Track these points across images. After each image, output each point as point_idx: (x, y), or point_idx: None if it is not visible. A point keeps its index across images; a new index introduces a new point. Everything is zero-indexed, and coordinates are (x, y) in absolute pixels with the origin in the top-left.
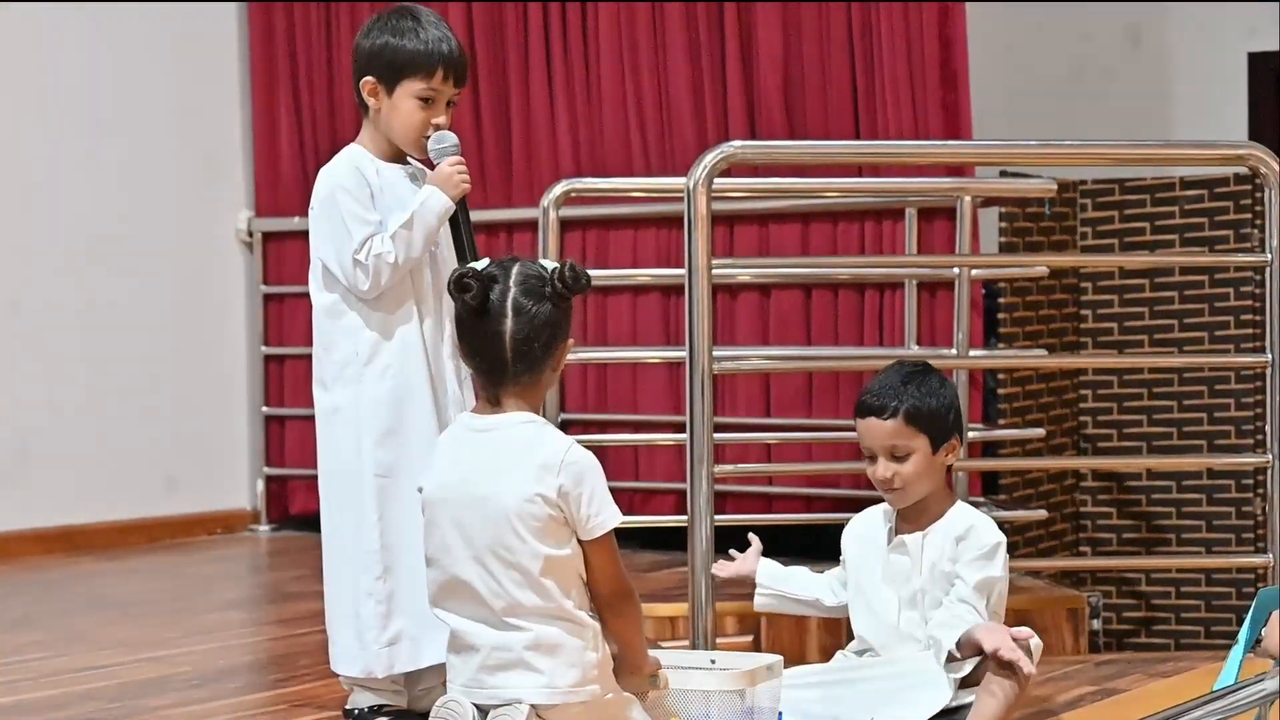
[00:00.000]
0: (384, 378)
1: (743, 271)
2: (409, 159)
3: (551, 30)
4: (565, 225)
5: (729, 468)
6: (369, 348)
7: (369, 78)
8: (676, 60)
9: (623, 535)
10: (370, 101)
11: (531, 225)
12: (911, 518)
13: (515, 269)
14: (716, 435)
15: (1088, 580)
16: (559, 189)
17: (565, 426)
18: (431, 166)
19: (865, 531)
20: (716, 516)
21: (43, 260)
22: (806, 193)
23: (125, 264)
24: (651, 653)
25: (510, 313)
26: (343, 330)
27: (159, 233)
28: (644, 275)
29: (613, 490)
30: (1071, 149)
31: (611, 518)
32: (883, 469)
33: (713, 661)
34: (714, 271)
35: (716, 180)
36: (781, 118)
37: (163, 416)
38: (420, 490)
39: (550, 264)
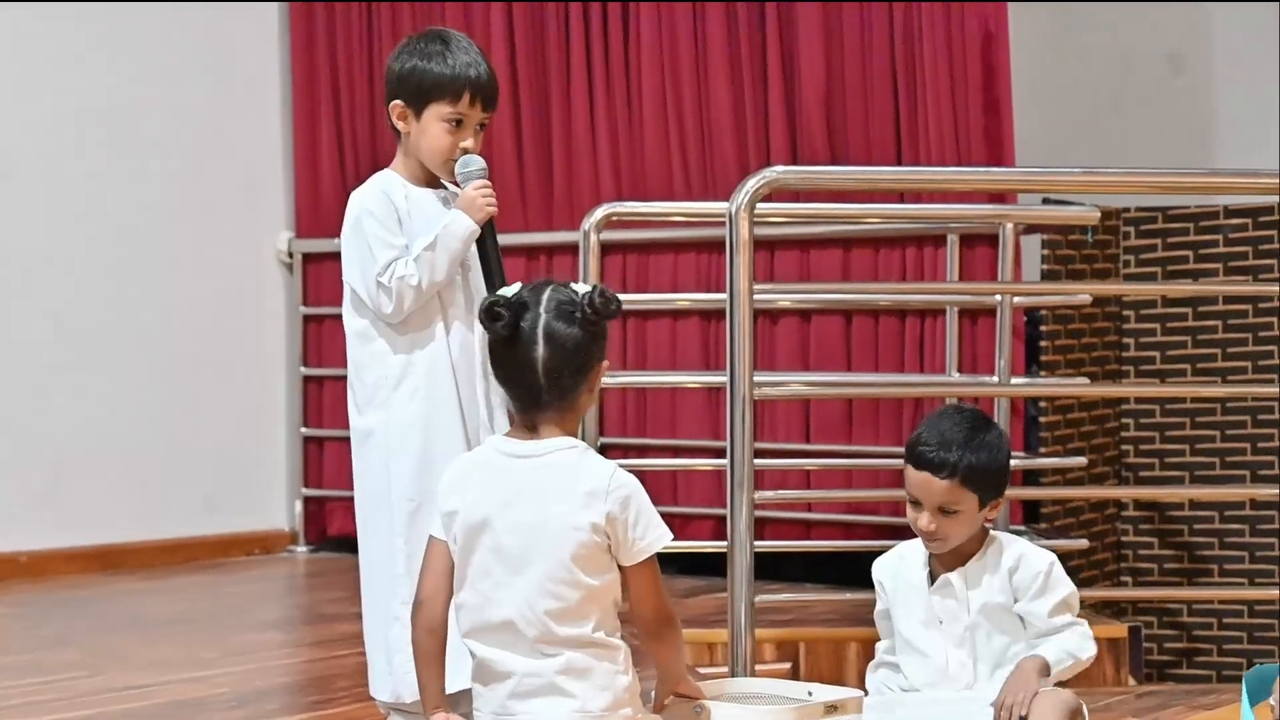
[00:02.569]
0: (413, 400)
1: (783, 297)
2: (443, 184)
3: (593, 53)
4: (606, 249)
5: (769, 494)
6: (398, 371)
7: (397, 101)
8: (718, 84)
9: (661, 559)
10: (400, 125)
11: (571, 248)
12: (948, 558)
13: (546, 294)
14: (756, 461)
15: (1129, 610)
16: (600, 213)
17: (604, 450)
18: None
19: (900, 573)
20: (760, 543)
21: (82, 279)
22: (848, 218)
23: (165, 284)
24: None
25: (541, 340)
26: (372, 354)
27: (199, 253)
28: (684, 300)
29: None
30: (1114, 177)
31: (659, 538)
32: (926, 521)
33: (809, 694)
34: (755, 297)
35: (761, 206)
36: (823, 143)
37: (201, 437)
38: (450, 513)
39: (582, 287)
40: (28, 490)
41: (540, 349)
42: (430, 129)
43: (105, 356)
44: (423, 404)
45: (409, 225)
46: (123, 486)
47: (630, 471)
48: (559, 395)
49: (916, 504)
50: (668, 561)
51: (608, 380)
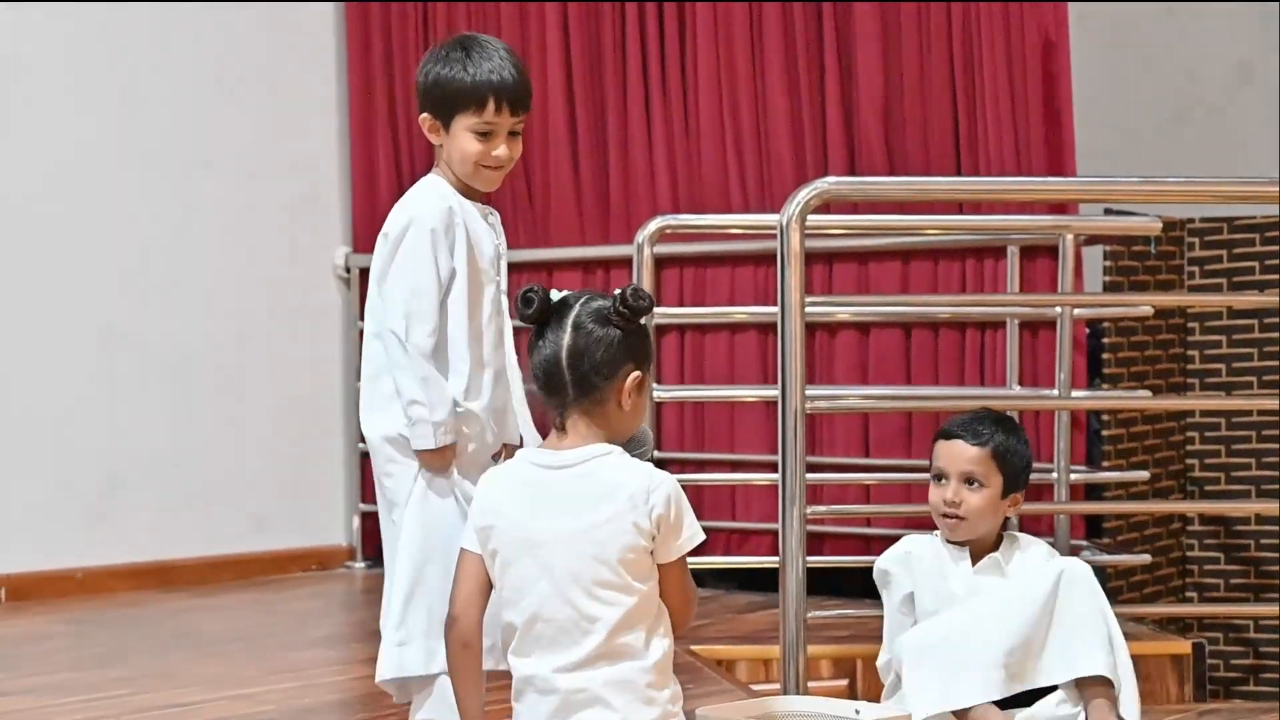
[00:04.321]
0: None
1: (840, 310)
2: (483, 198)
3: (650, 66)
4: (662, 263)
5: (821, 509)
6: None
7: (425, 115)
8: (775, 95)
9: (719, 576)
10: (432, 138)
11: (629, 262)
12: (979, 552)
13: (586, 296)
14: (814, 475)
15: (1194, 626)
16: (653, 225)
17: (662, 465)
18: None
19: (928, 563)
20: (815, 558)
21: (136, 295)
22: (904, 230)
23: (222, 299)
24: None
25: (569, 329)
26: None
27: (257, 268)
28: (741, 313)
29: (709, 530)
30: (1172, 186)
31: (696, 535)
32: (952, 492)
33: (857, 712)
34: (811, 310)
35: (816, 217)
36: (882, 154)
37: (258, 452)
38: (486, 528)
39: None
40: (82, 507)
41: (566, 337)
42: (459, 139)
43: (161, 372)
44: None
45: (465, 237)
46: (178, 503)
47: (687, 486)
48: (582, 390)
49: (940, 479)
50: (726, 577)
51: (664, 394)
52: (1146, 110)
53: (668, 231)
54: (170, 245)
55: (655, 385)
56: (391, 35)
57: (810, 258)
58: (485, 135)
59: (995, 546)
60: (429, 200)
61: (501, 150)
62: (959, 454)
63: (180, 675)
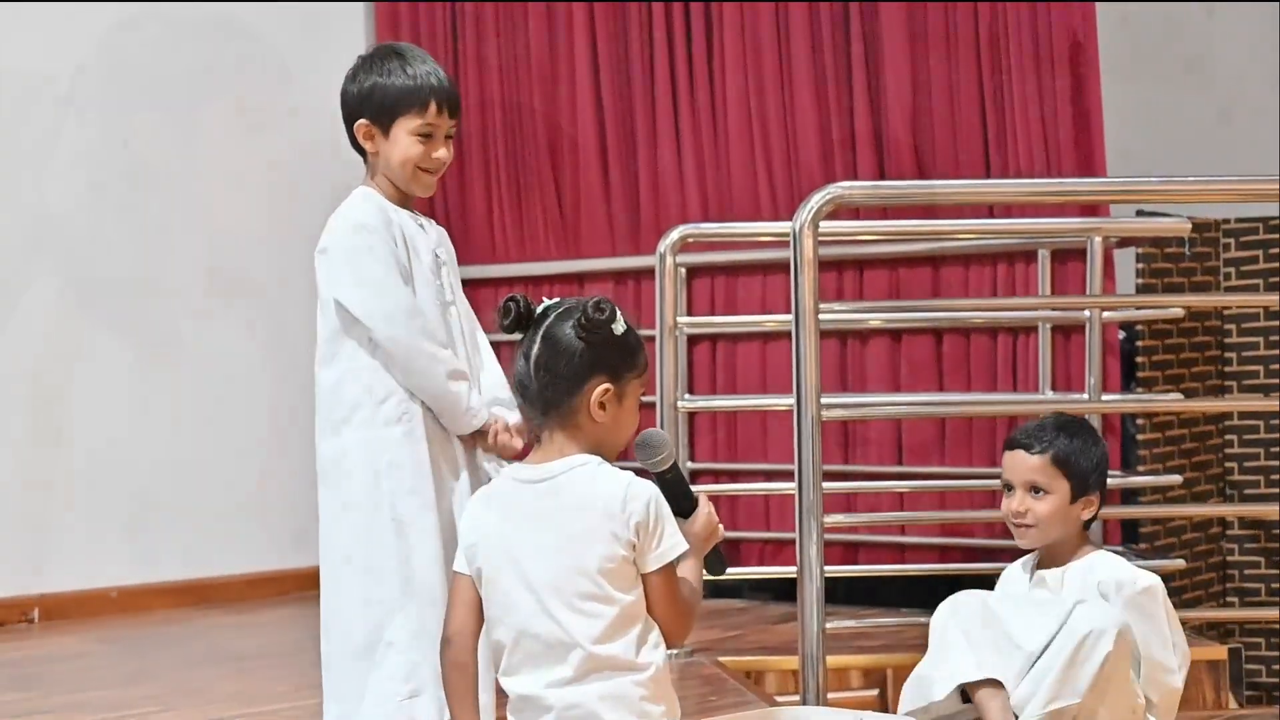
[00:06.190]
0: (399, 422)
1: (855, 315)
2: (414, 207)
3: (678, 75)
4: (693, 272)
5: (839, 517)
6: (382, 389)
7: (362, 121)
8: (803, 102)
9: (755, 587)
10: (367, 145)
11: None
12: (1050, 560)
13: (564, 306)
14: (849, 484)
15: (1236, 632)
16: (675, 235)
17: (694, 476)
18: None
19: (1005, 585)
20: (841, 567)
21: (170, 309)
22: (927, 235)
23: (253, 313)
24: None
25: (540, 338)
26: (353, 371)
27: (288, 282)
28: (767, 321)
29: (744, 541)
30: (1192, 185)
31: (676, 545)
32: (1017, 502)
33: None
34: (825, 316)
35: (838, 224)
36: (910, 158)
37: (293, 467)
38: (471, 546)
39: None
40: (118, 525)
41: (536, 345)
42: (400, 141)
43: (196, 391)
44: (406, 425)
45: (403, 242)
46: (213, 519)
47: (721, 497)
48: (547, 402)
49: (1009, 488)
50: (761, 588)
51: (687, 404)
52: (1189, 111)
53: (690, 241)
54: (205, 260)
55: (687, 395)
56: (420, 35)
57: (841, 264)
58: (426, 138)
59: (1073, 554)
60: (361, 207)
61: (442, 152)
62: (1020, 463)
63: (207, 693)
